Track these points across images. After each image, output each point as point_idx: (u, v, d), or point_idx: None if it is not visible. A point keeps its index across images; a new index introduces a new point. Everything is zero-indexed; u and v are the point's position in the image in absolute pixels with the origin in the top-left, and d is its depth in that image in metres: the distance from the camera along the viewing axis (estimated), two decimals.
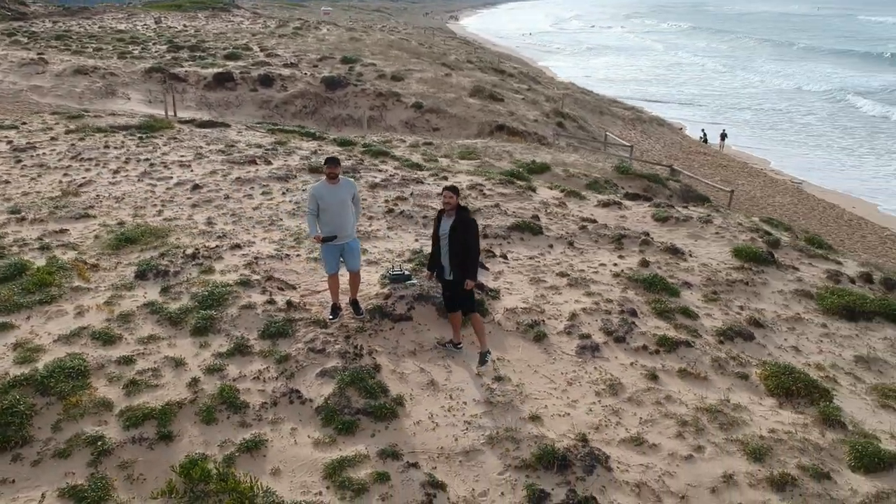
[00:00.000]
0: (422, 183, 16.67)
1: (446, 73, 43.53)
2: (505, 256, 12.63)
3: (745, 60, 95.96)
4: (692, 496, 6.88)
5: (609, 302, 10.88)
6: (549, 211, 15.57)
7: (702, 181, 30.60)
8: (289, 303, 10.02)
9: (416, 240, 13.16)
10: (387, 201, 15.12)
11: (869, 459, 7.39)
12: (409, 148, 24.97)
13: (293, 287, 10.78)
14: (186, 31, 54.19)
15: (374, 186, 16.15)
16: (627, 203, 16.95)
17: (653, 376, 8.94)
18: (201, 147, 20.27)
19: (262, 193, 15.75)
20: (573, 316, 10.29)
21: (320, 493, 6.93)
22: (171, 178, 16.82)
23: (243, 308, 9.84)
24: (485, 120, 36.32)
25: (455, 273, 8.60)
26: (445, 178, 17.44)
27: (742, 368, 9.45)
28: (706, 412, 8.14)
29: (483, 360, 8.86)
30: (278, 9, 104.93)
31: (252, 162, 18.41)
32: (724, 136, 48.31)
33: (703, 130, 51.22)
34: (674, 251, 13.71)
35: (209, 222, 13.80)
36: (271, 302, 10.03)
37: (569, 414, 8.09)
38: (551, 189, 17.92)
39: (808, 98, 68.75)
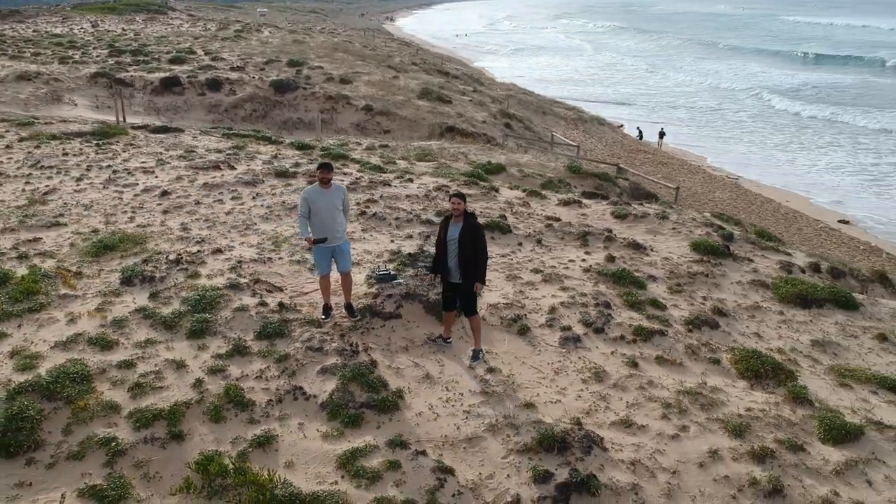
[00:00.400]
0: (389, 185, 17.05)
1: (394, 75, 43.87)
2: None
3: (674, 59, 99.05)
4: (682, 471, 7.45)
5: (584, 296, 11.46)
6: (514, 210, 16.11)
7: (647, 179, 31.59)
8: (280, 304, 10.32)
9: (392, 241, 13.55)
10: (358, 204, 15.46)
11: (836, 432, 8.08)
12: (366, 151, 25.26)
13: (280, 289, 11.07)
14: (126, 35, 53.31)
15: (349, 189, 16.45)
16: (587, 202, 17.60)
17: (633, 363, 9.53)
18: (161, 153, 20.26)
19: (233, 198, 15.92)
20: (552, 310, 10.83)
21: (336, 482, 7.29)
22: (137, 184, 16.85)
23: (236, 310, 10.11)
24: (435, 122, 36.79)
25: (464, 276, 9.01)
26: (410, 181, 17.85)
27: (713, 354, 10.11)
28: (687, 395, 8.76)
29: (476, 357, 9.32)
30: (212, 10, 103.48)
31: (216, 167, 18.51)
32: (662, 134, 49.73)
33: (638, 128, 52.75)
34: (636, 246, 14.39)
35: (184, 228, 13.95)
36: (263, 304, 10.32)
37: (560, 401, 8.60)
38: (512, 189, 18.48)
39: (738, 96, 71.30)
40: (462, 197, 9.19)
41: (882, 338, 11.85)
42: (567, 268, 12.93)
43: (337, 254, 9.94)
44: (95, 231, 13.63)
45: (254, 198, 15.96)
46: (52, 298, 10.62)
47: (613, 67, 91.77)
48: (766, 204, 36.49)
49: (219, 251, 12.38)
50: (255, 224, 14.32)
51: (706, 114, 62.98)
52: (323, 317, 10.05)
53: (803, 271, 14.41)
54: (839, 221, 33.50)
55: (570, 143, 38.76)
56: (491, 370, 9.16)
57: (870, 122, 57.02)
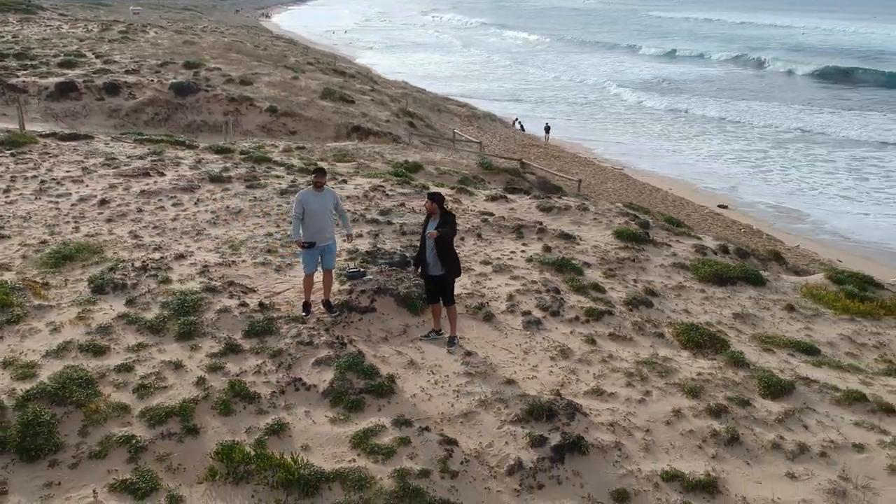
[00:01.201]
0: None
1: (293, 76, 43.95)
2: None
3: (542, 55, 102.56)
4: (653, 429, 8.59)
5: (534, 283, 12.52)
6: (448, 207, 17.02)
7: (549, 172, 33.21)
8: (261, 304, 10.90)
9: (344, 240, 14.21)
10: None
11: (773, 388, 9.42)
12: (284, 153, 25.58)
13: (253, 290, 11.61)
14: (3, 36, 50.97)
15: (283, 192, 16.97)
16: (511, 196, 18.73)
17: (591, 341, 10.65)
18: (82, 161, 20.07)
19: (174, 205, 16.16)
20: (510, 297, 11.84)
21: (353, 459, 8.04)
22: (70, 194, 16.80)
23: (220, 312, 10.61)
24: (340, 122, 37.29)
25: (443, 270, 9.85)
26: (345, 182, 18.50)
27: (657, 329, 11.38)
28: (644, 364, 9.93)
29: (452, 342, 10.20)
30: (80, 8, 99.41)
31: (146, 174, 18.59)
32: (547, 128, 51.70)
33: (518, 121, 54.97)
34: (567, 237, 15.60)
35: (135, 236, 14.17)
36: (244, 305, 10.86)
37: (535, 377, 9.61)
38: (441, 186, 19.40)
39: (609, 89, 74.77)
40: (433, 197, 10.04)
41: (790, 308, 13.48)
42: (511, 259, 13.97)
43: (325, 252, 10.63)
44: (44, 242, 13.68)
45: (196, 203, 16.25)
46: (28, 310, 10.80)
47: (490, 64, 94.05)
48: (654, 192, 38.75)
49: (181, 257, 12.75)
50: (205, 230, 14.67)
51: (585, 107, 65.90)
52: (304, 314, 10.69)
53: (715, 253, 16.01)
54: (719, 206, 35.96)
55: (473, 140, 40.07)
56: (468, 353, 10.07)
57: (709, 110, 61.12)
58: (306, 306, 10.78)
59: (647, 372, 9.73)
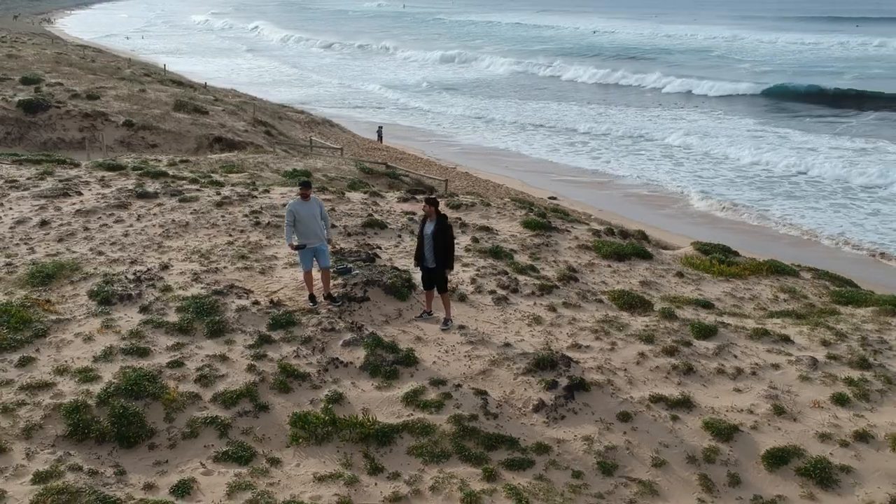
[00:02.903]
0: (256, 198, 18.88)
1: (140, 88, 43.41)
2: (379, 246, 15.78)
3: (334, 59, 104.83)
4: (629, 368, 11.01)
5: (484, 268, 14.68)
6: (374, 209, 18.85)
7: (416, 174, 35.49)
8: (271, 301, 12.33)
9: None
10: (246, 216, 17.23)
11: (703, 331, 12.14)
12: (171, 167, 26.08)
13: (251, 291, 12.96)
14: None
15: (219, 205, 18.05)
16: (419, 197, 20.78)
17: (553, 309, 12.96)
18: None
19: (116, 222, 16.79)
20: (473, 280, 13.92)
21: (411, 414, 9.86)
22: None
23: (238, 311, 11.95)
24: (201, 133, 37.64)
25: (437, 263, 11.75)
26: (267, 192, 19.77)
27: (596, 297, 13.90)
28: (602, 323, 12.37)
29: (446, 323, 12.12)
30: None
31: (65, 194, 18.93)
32: (380, 131, 54.06)
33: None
34: (486, 229, 17.89)
35: (99, 252, 14.90)
36: (256, 303, 12.25)
37: (523, 340, 11.77)
38: (354, 191, 21.12)
39: (387, 95, 77.64)
40: (431, 202, 11.96)
41: (680, 275, 16.50)
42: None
43: (318, 254, 12.22)
44: (9, 264, 14.14)
45: (138, 219, 17.01)
46: (48, 324, 11.61)
47: (276, 71, 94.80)
48: (497, 188, 41.94)
49: (166, 267, 13.79)
50: (163, 243, 15.61)
51: (413, 112, 68.75)
52: (311, 304, 12.26)
53: (605, 234, 18.89)
54: (549, 198, 39.36)
55: (333, 146, 41.56)
56: (462, 327, 12.07)
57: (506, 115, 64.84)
58: (312, 298, 12.34)
59: (607, 328, 12.17)
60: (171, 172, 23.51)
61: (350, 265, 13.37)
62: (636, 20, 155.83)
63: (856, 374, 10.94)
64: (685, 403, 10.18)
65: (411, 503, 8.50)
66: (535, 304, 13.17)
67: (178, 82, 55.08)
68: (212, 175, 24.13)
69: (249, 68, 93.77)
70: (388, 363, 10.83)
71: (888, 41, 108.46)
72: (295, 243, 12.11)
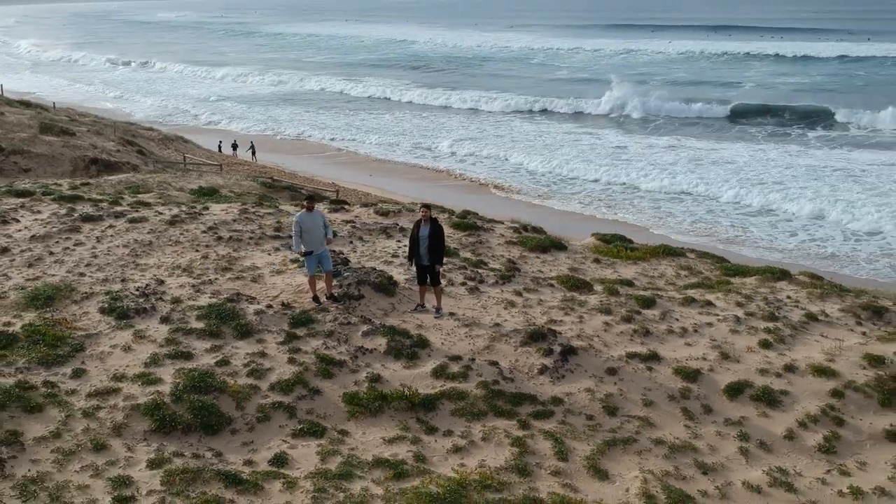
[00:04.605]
0: (203, 215, 19.87)
1: None
2: (342, 252, 17.42)
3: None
4: (599, 335, 13.41)
5: (445, 264, 16.68)
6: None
7: (307, 186, 36.76)
8: (283, 303, 13.78)
9: (269, 254, 17.09)
10: (205, 232, 18.29)
11: (646, 302, 14.74)
12: (74, 189, 26.14)
13: (255, 297, 14.31)
14: None
15: (172, 223, 18.93)
16: (347, 206, 22.46)
17: (519, 294, 15.20)
18: None
19: (76, 245, 17.39)
20: (442, 275, 15.89)
21: (443, 384, 11.76)
22: None
23: (257, 314, 13.31)
24: (75, 155, 37.02)
25: (431, 261, 13.62)
26: (207, 209, 20.76)
27: (547, 282, 16.26)
28: (565, 301, 14.74)
29: (438, 311, 14.04)
30: None
31: (3, 222, 19.12)
32: (246, 147, 55.46)
33: (235, 143, 57.71)
34: None
35: (80, 274, 15.62)
36: (269, 306, 13.66)
37: (507, 320, 13.92)
38: (285, 204, 22.46)
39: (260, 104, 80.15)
40: (428, 207, 13.85)
41: (597, 261, 19.25)
42: (402, 253, 17.91)
43: (322, 259, 13.82)
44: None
45: (98, 241, 17.67)
46: (80, 339, 12.52)
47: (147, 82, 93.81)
48: (367, 196, 43.98)
49: (161, 282, 14.83)
50: (136, 261, 16.50)
51: (265, 122, 70.18)
52: (316, 304, 13.82)
53: (523, 230, 21.40)
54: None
55: (211, 162, 41.87)
56: (452, 314, 14.06)
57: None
58: (315, 299, 13.90)
59: (571, 305, 14.56)
60: (86, 195, 23.78)
61: (340, 269, 14.99)
62: (455, 29, 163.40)
63: (770, 325, 13.93)
64: (654, 357, 12.71)
65: (470, 452, 10.44)
66: (502, 291, 15.36)
67: (27, 103, 52.83)
68: (123, 196, 24.59)
69: (55, 86, 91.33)
70: (407, 347, 12.66)
71: (684, 45, 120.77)
72: (303, 250, 13.64)
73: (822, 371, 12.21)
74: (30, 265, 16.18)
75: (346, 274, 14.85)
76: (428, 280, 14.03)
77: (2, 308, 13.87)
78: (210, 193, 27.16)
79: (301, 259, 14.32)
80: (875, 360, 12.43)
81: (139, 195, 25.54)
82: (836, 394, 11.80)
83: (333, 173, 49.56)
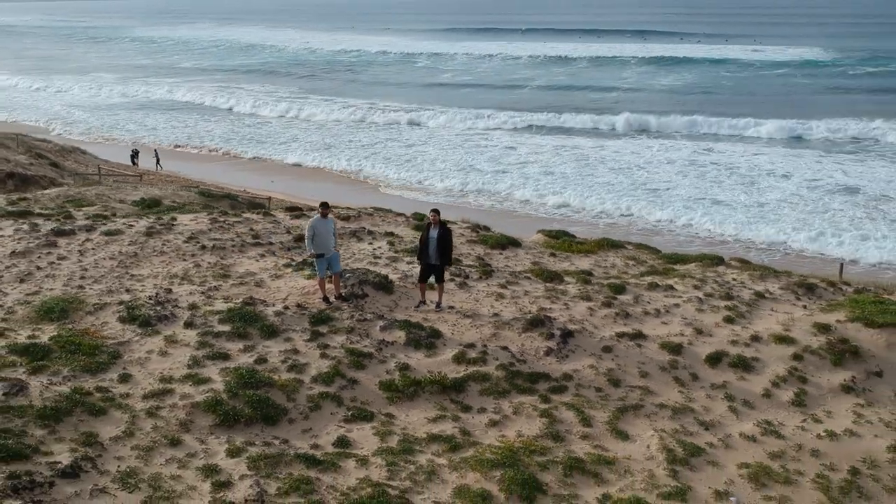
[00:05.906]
0: (175, 226, 20.34)
1: None
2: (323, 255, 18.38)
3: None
4: (586, 318, 15.05)
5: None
6: (280, 227, 21.19)
7: (243, 195, 37.06)
8: (298, 305, 14.73)
9: (257, 260, 17.89)
10: (186, 242, 18.85)
11: (618, 289, 16.50)
12: (13, 205, 25.82)
13: (265, 300, 15.18)
14: None
15: (150, 234, 19.35)
16: (307, 213, 23.33)
17: (504, 286, 16.65)
18: None
19: (60, 258, 17.65)
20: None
21: (466, 368, 13.08)
22: None
23: (276, 315, 14.23)
24: None
25: (440, 261, 14.87)
26: (175, 220, 21.21)
27: (524, 275, 17.80)
28: (549, 291, 16.30)
29: (439, 306, 15.32)
30: None
31: None
32: (150, 156, 54.96)
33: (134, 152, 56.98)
34: (391, 234, 21.07)
35: (79, 287, 16.00)
36: (286, 308, 14.58)
37: (502, 310, 15.35)
38: (254, 213, 23.13)
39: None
40: (437, 212, 15.11)
41: (553, 255, 20.96)
42: (379, 252, 19.08)
43: (332, 261, 14.87)
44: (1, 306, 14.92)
45: (81, 254, 17.97)
46: (113, 347, 13.13)
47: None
48: (282, 202, 44.47)
49: (169, 291, 15.45)
50: (128, 271, 16.97)
51: (179, 130, 69.38)
52: (327, 304, 14.85)
53: (479, 229, 22.90)
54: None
55: (129, 174, 41.34)
56: (451, 307, 15.39)
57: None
58: (325, 299, 14.93)
59: (554, 294, 16.16)
60: (34, 210, 23.68)
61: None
62: (333, 32, 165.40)
63: (728, 303, 15.97)
64: (640, 335, 14.46)
65: (506, 425, 11.83)
66: (487, 285, 16.80)
67: None
68: (67, 209, 24.55)
69: None
70: (424, 338, 13.91)
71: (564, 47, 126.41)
72: (315, 252, 14.65)
73: (782, 339, 14.27)
74: (21, 280, 16.38)
75: (347, 275, 15.91)
76: (432, 278, 15.28)
77: (15, 322, 14.21)
78: (153, 205, 27.36)
79: (312, 261, 15.29)
80: (823, 328, 14.61)
81: (83, 208, 25.52)
82: (796, 357, 13.87)
83: (238, 180, 49.50)
